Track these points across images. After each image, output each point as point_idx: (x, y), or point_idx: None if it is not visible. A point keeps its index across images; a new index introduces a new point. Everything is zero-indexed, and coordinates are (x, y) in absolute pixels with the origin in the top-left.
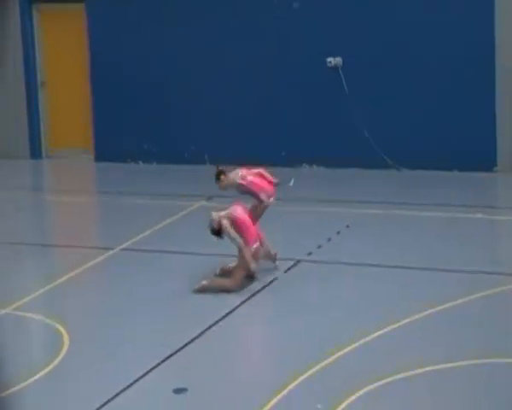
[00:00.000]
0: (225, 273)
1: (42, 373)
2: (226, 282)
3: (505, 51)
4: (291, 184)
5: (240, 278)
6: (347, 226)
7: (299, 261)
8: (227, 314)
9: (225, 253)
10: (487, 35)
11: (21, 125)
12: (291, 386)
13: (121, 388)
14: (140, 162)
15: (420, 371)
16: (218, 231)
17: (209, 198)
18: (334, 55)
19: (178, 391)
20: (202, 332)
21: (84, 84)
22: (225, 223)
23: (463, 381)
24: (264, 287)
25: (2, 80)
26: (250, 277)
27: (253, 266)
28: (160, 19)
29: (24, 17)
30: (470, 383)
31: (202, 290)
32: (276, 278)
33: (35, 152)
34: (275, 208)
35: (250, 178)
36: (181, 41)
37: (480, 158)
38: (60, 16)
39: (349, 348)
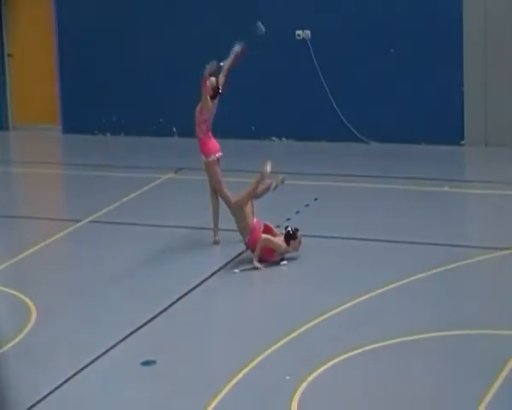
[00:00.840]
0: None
1: (9, 345)
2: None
3: (472, 24)
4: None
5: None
6: (315, 199)
7: None
8: (195, 287)
9: (193, 225)
10: (455, 8)
11: None
12: (259, 358)
13: (89, 360)
14: (108, 134)
15: (383, 344)
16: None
17: (177, 171)
18: (302, 28)
19: (147, 363)
20: (171, 305)
21: (50, 56)
22: None
23: (424, 352)
24: (233, 259)
25: None
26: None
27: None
28: None
29: None
30: (430, 354)
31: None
32: (243, 252)
33: (1, 124)
34: (246, 182)
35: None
36: (150, 11)
37: (448, 131)
38: None
39: (315, 322)
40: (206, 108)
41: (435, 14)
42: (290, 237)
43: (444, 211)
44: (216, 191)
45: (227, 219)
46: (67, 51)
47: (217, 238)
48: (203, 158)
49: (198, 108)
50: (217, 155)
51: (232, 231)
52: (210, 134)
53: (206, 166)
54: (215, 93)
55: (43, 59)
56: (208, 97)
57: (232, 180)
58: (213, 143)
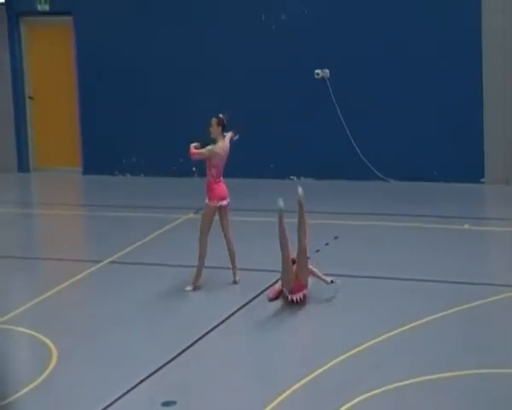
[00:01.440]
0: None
1: (30, 386)
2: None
3: (492, 65)
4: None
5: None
6: (335, 238)
7: None
8: (217, 326)
9: (213, 265)
10: (474, 50)
11: (9, 138)
12: (282, 397)
13: (109, 401)
14: (128, 175)
15: (408, 382)
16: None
17: (197, 211)
18: (321, 67)
19: (167, 404)
20: (191, 344)
21: (71, 98)
22: None
23: (446, 391)
24: (254, 298)
25: None
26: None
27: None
28: (147, 34)
29: (11, 30)
30: (457, 393)
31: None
32: (266, 289)
33: (22, 166)
34: (265, 220)
35: None
36: (169, 56)
37: (468, 170)
38: (47, 29)
39: (339, 360)
40: (214, 154)
41: (456, 55)
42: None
43: (464, 249)
44: (201, 233)
45: (245, 259)
46: (88, 93)
47: (237, 278)
48: (205, 200)
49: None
50: (220, 202)
51: (252, 270)
52: (220, 180)
53: (205, 208)
54: (222, 125)
55: (63, 101)
56: (218, 140)
57: (251, 220)
58: (220, 189)
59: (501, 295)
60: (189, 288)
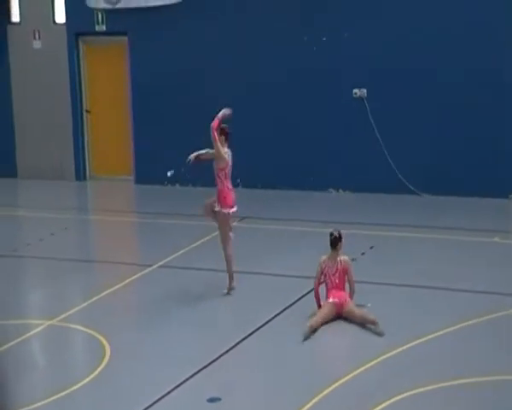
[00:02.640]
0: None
1: (85, 381)
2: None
3: None
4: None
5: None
6: (371, 247)
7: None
8: (257, 329)
9: (257, 271)
10: (501, 58)
11: (67, 148)
12: (315, 400)
13: (158, 396)
14: (177, 185)
15: (432, 387)
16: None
17: (242, 219)
18: (359, 87)
19: (212, 400)
20: (237, 343)
21: (125, 112)
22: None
23: (473, 398)
24: (293, 303)
25: (50, 108)
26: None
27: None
28: (199, 49)
29: (70, 49)
30: (479, 399)
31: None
32: (303, 296)
33: (79, 175)
34: (302, 230)
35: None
36: (218, 70)
37: (497, 185)
38: (104, 48)
39: (365, 367)
40: (219, 156)
41: (487, 71)
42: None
43: (494, 261)
44: (222, 243)
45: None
46: (141, 107)
47: (233, 284)
48: (219, 208)
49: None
50: (231, 210)
51: (295, 277)
52: (229, 185)
53: (220, 216)
54: (225, 134)
55: (118, 114)
56: (219, 143)
57: (291, 229)
58: (231, 196)
59: None
60: (224, 291)
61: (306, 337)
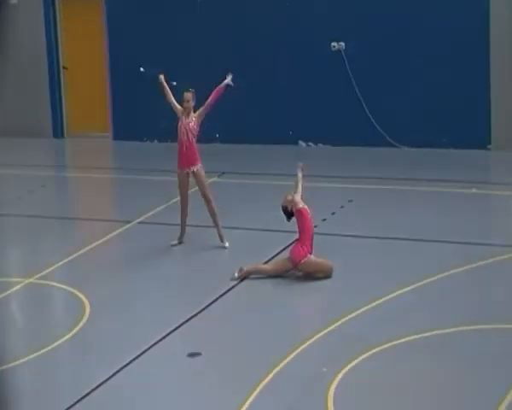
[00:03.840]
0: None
1: (65, 338)
2: (267, 267)
3: (499, 32)
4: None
5: (282, 269)
6: (350, 201)
7: None
8: (237, 284)
9: (232, 225)
10: (482, 19)
11: (44, 105)
12: (298, 350)
13: (139, 352)
14: (155, 141)
15: (414, 337)
16: (290, 213)
17: (221, 174)
18: (337, 40)
19: (193, 355)
20: (216, 299)
21: (102, 69)
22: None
23: (454, 346)
24: (273, 257)
25: (26, 64)
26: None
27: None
28: (175, 5)
29: (47, 6)
30: (460, 347)
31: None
32: (281, 251)
33: (57, 132)
34: (281, 184)
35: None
36: (194, 24)
37: (475, 136)
38: (80, 4)
39: (350, 317)
40: (200, 121)
41: (464, 23)
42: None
43: (472, 212)
44: (206, 196)
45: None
46: (118, 63)
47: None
48: (195, 167)
49: (195, 120)
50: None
51: (272, 232)
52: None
53: (200, 173)
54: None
55: (95, 71)
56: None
57: (275, 183)
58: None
59: (505, 256)
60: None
61: (233, 279)
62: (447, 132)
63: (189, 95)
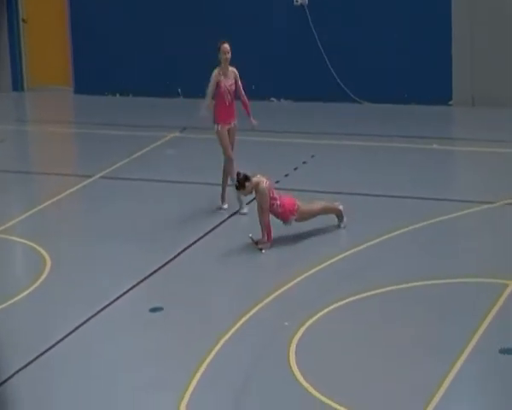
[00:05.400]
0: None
1: (26, 292)
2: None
3: None
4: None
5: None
6: (312, 156)
7: None
8: (199, 239)
9: (196, 181)
10: None
11: (4, 59)
12: (261, 305)
13: (101, 306)
14: (117, 95)
15: (375, 292)
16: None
17: (183, 130)
18: None
19: (154, 310)
20: (176, 255)
21: (63, 21)
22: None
23: (411, 301)
24: (233, 214)
25: None
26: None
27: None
28: None
29: None
30: (417, 303)
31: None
32: (246, 203)
33: (17, 85)
34: (245, 139)
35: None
36: None
37: (436, 92)
38: None
39: (310, 272)
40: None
41: None
42: (245, 180)
43: (433, 167)
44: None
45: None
46: (79, 15)
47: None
48: (234, 122)
49: (233, 82)
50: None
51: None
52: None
53: (235, 129)
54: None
55: (56, 23)
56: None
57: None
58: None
59: (466, 211)
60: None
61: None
62: (409, 88)
63: (227, 46)
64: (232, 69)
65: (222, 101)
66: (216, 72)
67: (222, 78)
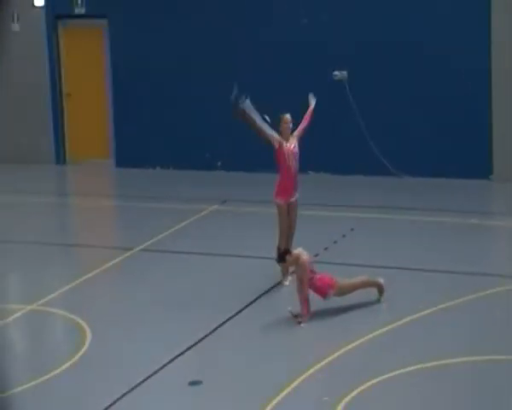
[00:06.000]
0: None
1: (67, 364)
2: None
3: (500, 61)
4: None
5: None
6: (352, 229)
7: None
8: (238, 312)
9: (239, 254)
10: (483, 48)
11: (47, 132)
12: (298, 381)
13: (141, 379)
14: (157, 168)
15: (414, 368)
16: (282, 257)
17: (223, 202)
18: (340, 69)
19: (194, 384)
20: (215, 329)
21: (105, 96)
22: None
23: (452, 379)
24: (272, 287)
25: (29, 91)
26: None
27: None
28: (179, 33)
29: (49, 32)
30: (464, 379)
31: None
32: (285, 280)
33: (59, 158)
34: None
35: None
36: (200, 56)
37: (477, 167)
38: (83, 31)
39: (352, 346)
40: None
41: (465, 53)
42: (286, 253)
43: (473, 242)
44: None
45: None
46: (120, 90)
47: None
48: (297, 194)
49: (296, 144)
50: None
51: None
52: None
53: (297, 202)
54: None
55: (98, 98)
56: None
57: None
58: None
59: (507, 286)
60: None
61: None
62: (449, 163)
63: (289, 116)
64: (293, 135)
65: (286, 170)
66: (277, 137)
67: (284, 143)
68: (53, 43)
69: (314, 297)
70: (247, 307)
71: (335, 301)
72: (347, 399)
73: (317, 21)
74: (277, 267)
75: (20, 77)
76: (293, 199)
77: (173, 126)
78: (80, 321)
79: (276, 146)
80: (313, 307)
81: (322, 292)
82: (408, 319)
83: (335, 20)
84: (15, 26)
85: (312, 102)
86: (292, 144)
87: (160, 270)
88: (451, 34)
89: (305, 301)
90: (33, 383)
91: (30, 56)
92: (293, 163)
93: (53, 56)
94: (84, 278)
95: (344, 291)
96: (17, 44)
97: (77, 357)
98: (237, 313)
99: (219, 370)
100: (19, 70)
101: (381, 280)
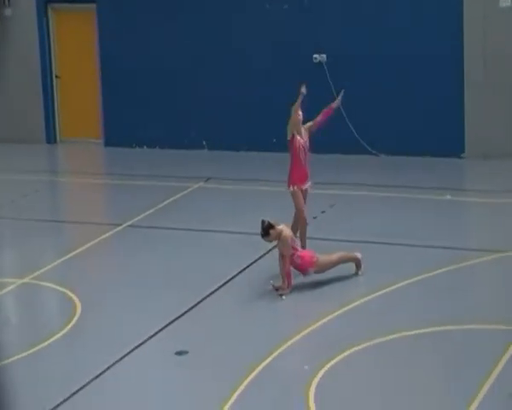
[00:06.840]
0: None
1: (58, 335)
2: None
3: (473, 39)
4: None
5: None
6: (331, 206)
7: None
8: (222, 285)
9: (223, 229)
10: (455, 23)
11: (38, 113)
12: (279, 351)
13: (128, 350)
14: (144, 147)
15: (392, 337)
16: (266, 231)
17: (207, 180)
18: (319, 52)
19: (180, 353)
20: (202, 300)
21: (94, 78)
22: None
23: (427, 346)
24: (255, 261)
25: (20, 73)
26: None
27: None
28: (166, 15)
29: (40, 15)
30: (433, 348)
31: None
32: (263, 255)
33: (49, 138)
34: (265, 189)
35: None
36: (184, 36)
37: (449, 145)
38: (73, 15)
39: (331, 317)
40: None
41: (438, 33)
42: (269, 228)
43: (446, 217)
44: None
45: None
46: (109, 73)
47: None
48: (310, 182)
49: (308, 136)
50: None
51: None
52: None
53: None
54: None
55: (87, 80)
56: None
57: (257, 189)
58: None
59: (479, 259)
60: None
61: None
62: (423, 141)
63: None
64: (305, 127)
65: (297, 160)
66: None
67: (297, 136)
68: (44, 27)
69: (294, 271)
70: (231, 279)
71: (315, 275)
72: (327, 367)
73: (297, 8)
74: (261, 242)
75: (12, 60)
76: (306, 185)
77: (160, 107)
78: (71, 294)
79: (290, 137)
80: (294, 281)
81: (303, 269)
82: (385, 290)
83: (315, 5)
84: (8, 11)
85: (338, 100)
86: (303, 138)
87: (147, 245)
88: (425, 15)
89: (287, 274)
90: (25, 354)
91: (22, 40)
92: (303, 156)
93: (44, 39)
94: (75, 252)
95: (323, 268)
96: (9, 28)
97: (67, 328)
98: (222, 286)
99: (203, 342)
100: (11, 53)
101: (359, 255)
